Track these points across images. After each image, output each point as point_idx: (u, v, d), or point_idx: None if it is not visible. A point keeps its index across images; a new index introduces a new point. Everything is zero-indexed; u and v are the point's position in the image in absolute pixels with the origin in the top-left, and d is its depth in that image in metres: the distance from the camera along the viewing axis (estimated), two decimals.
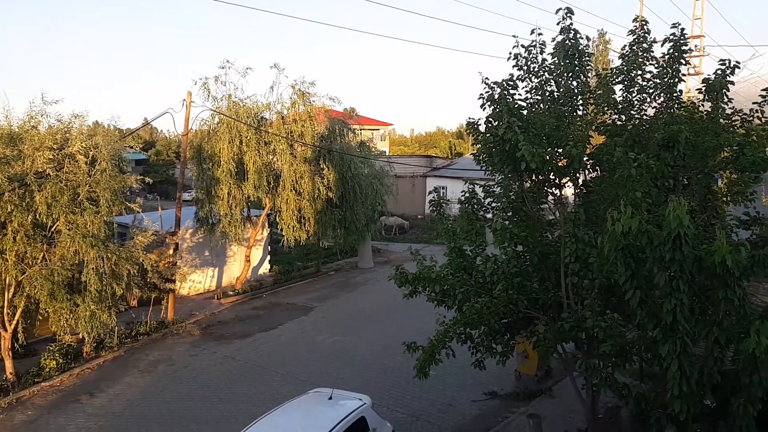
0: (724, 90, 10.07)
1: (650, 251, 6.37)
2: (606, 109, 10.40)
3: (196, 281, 24.54)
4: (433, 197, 12.00)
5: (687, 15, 23.54)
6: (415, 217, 43.85)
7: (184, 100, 21.07)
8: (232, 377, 16.23)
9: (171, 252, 20.87)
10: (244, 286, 25.11)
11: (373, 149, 31.34)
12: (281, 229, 24.33)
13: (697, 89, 10.83)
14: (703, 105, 10.49)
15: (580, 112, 10.59)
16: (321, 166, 24.28)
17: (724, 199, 10.55)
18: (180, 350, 18.46)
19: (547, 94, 10.24)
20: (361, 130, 45.13)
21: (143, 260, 17.56)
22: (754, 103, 10.14)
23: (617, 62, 11.16)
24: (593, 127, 10.45)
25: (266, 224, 27.01)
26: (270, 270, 27.94)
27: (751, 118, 10.12)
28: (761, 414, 6.75)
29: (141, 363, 17.39)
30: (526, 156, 8.73)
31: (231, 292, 24.55)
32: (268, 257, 28.26)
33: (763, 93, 9.98)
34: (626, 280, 6.54)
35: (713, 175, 10.75)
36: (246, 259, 25.48)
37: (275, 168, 24.39)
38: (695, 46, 23.19)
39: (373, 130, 75.09)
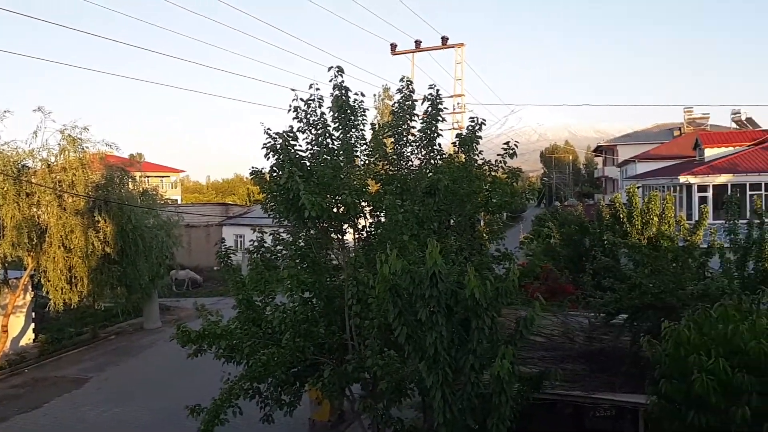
0: (474, 143, 11.59)
1: (413, 289, 6.94)
2: (378, 160, 11.25)
3: None
4: (219, 249, 11.71)
5: (451, 75, 26.85)
6: (210, 269, 41.92)
7: None
8: None
9: None
10: (1, 361, 21.35)
11: (159, 198, 29.45)
12: (48, 292, 21.40)
13: (452, 143, 12.29)
14: (459, 156, 11.91)
15: (359, 163, 11.28)
16: (96, 218, 21.99)
17: (485, 237, 12.04)
18: None
19: (325, 145, 10.73)
20: (146, 177, 42.26)
21: None
22: (498, 154, 11.80)
23: None
24: (371, 177, 11.21)
25: (29, 287, 23.50)
26: (35, 340, 24.15)
27: (496, 168, 11.75)
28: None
29: None
30: (306, 204, 9.05)
31: None
32: (32, 325, 24.42)
33: (505, 146, 11.66)
34: (395, 318, 6.99)
35: (475, 216, 12.21)
36: (3, 330, 21.72)
37: (40, 222, 21.50)
38: (457, 103, 26.34)
39: (163, 177, 71.24)
